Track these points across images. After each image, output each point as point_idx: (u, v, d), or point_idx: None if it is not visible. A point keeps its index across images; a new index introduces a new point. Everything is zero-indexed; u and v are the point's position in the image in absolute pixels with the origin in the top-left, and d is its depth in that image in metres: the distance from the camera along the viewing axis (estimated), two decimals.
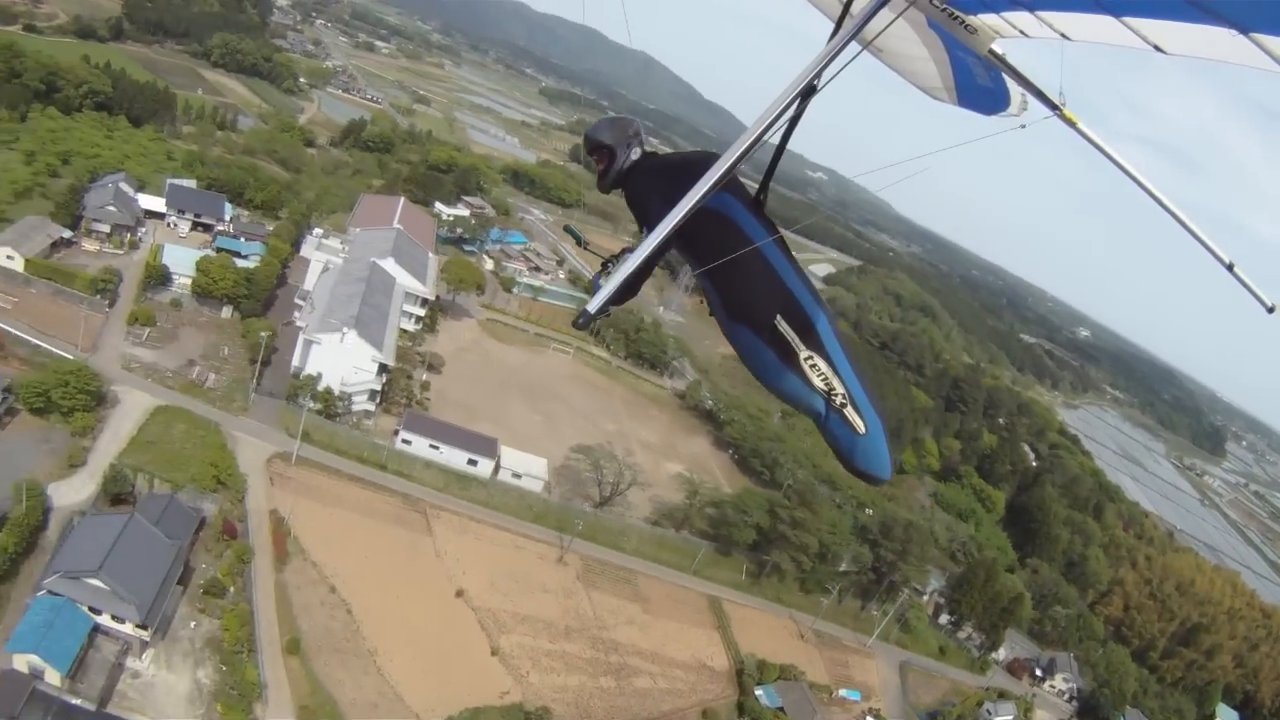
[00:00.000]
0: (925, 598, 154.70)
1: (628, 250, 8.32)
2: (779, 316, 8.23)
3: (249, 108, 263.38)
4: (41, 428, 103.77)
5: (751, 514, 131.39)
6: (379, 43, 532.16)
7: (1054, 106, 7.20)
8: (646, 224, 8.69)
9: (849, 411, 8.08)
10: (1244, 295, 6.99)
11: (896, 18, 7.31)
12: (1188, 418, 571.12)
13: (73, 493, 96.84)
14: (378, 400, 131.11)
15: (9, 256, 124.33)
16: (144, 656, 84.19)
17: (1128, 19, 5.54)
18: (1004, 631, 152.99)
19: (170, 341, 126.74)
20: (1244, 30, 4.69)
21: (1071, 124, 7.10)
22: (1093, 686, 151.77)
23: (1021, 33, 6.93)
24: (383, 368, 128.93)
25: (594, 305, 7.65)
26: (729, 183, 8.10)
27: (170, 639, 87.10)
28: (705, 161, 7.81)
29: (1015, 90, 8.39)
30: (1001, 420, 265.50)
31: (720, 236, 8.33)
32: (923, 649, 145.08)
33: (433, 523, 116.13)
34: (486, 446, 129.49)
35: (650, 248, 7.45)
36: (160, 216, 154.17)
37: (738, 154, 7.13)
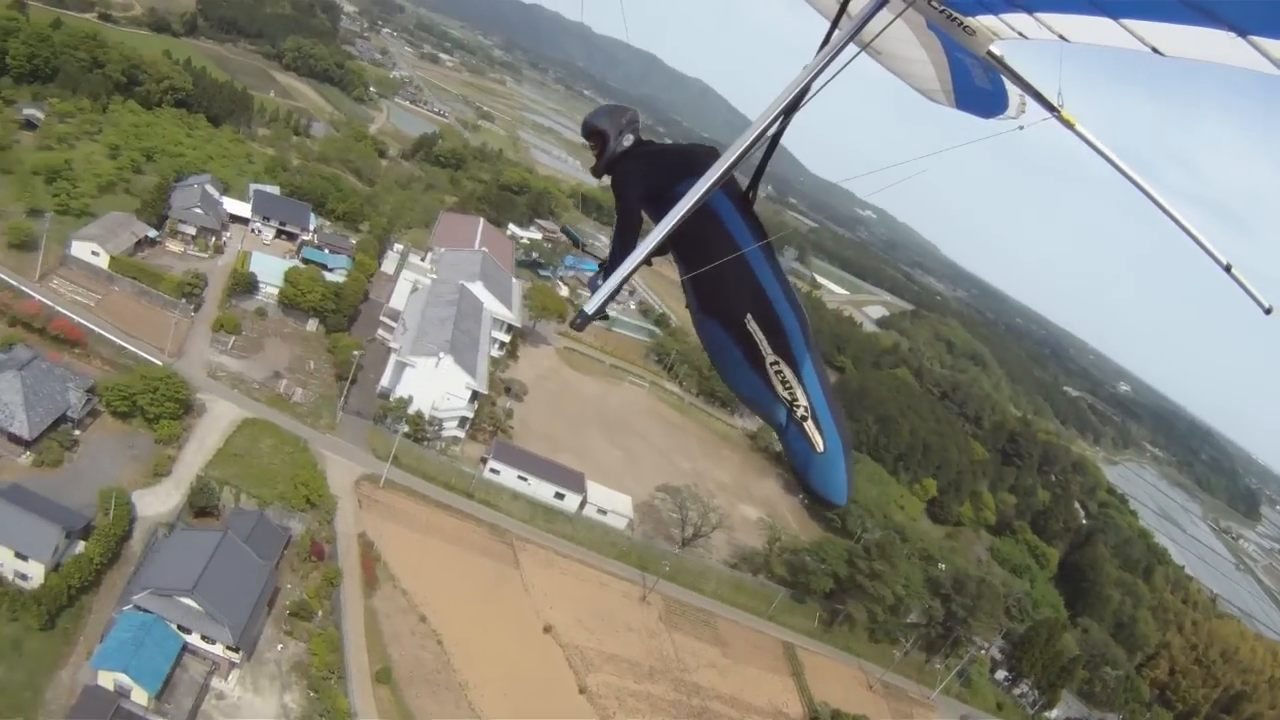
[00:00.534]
0: (982, 653, 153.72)
1: (611, 252, 8.50)
2: (749, 316, 8.16)
3: (320, 113, 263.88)
4: (124, 432, 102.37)
5: (830, 563, 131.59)
6: (443, 55, 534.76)
7: (1052, 108, 7.36)
8: (623, 209, 8.81)
9: (809, 426, 7.97)
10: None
11: (895, 19, 7.33)
12: (1224, 479, 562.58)
13: (157, 503, 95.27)
14: (467, 427, 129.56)
15: (94, 253, 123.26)
16: (230, 678, 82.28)
17: (1125, 21, 5.55)
18: (1060, 691, 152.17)
19: (255, 351, 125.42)
20: (1241, 33, 4.71)
21: (1069, 125, 7.22)
22: None
23: (1020, 34, 6.97)
24: (474, 395, 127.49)
25: (591, 307, 7.74)
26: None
27: (256, 661, 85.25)
28: (694, 154, 8.39)
29: (1014, 92, 8.45)
30: (1054, 477, 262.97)
31: (701, 229, 8.23)
32: (981, 704, 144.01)
33: (519, 555, 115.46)
34: (574, 481, 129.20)
35: (643, 253, 7.50)
36: (244, 221, 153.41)
37: (736, 155, 7.21)
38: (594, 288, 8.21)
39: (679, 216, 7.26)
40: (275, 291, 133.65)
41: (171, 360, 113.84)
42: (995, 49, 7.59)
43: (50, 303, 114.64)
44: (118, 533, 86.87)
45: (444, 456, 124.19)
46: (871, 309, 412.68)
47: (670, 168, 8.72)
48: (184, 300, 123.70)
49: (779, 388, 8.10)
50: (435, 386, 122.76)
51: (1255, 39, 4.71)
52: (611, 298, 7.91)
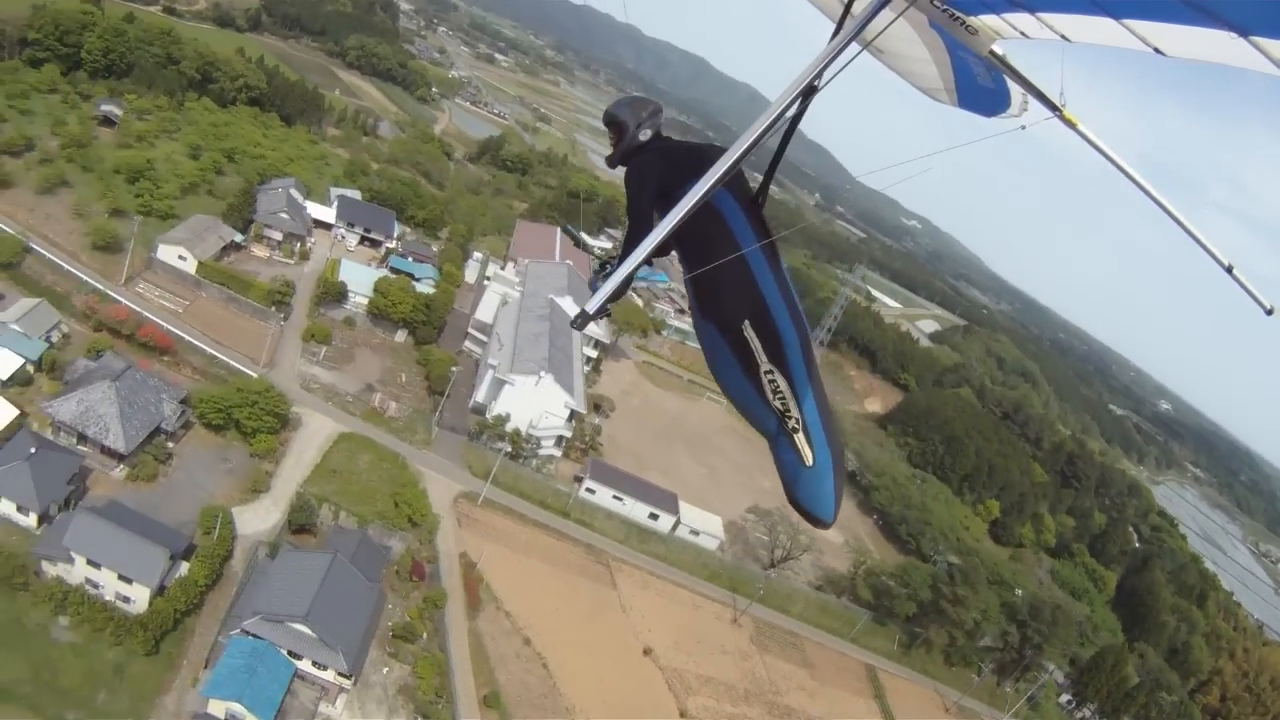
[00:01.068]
0: (1049, 677, 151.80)
1: (620, 251, 8.21)
2: (747, 323, 8.02)
3: (385, 113, 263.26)
4: (218, 445, 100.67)
5: (915, 588, 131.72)
6: (498, 55, 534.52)
7: (1054, 108, 7.32)
8: (634, 204, 8.76)
9: (799, 438, 7.80)
10: None
11: (897, 18, 7.30)
12: (1263, 501, 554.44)
13: (257, 520, 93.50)
14: (562, 446, 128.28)
15: (181, 257, 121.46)
16: (337, 703, 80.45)
17: (1127, 21, 5.58)
18: (1123, 718, 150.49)
19: (346, 363, 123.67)
20: (1243, 33, 4.76)
21: (1071, 125, 7.20)
22: None
23: (1022, 34, 6.95)
24: (571, 414, 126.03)
25: (593, 306, 7.66)
26: (730, 178, 7.63)
27: (362, 684, 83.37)
28: (709, 153, 8.26)
29: (1016, 91, 8.39)
30: (1109, 500, 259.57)
31: (706, 231, 8.20)
32: None
33: (616, 576, 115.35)
34: (668, 501, 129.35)
35: (646, 250, 7.50)
36: (327, 227, 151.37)
37: (738, 154, 7.17)
38: (595, 286, 8.17)
39: (680, 216, 7.21)
40: (364, 301, 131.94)
41: (264, 371, 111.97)
42: (997, 48, 7.58)
43: (138, 308, 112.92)
44: (220, 553, 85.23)
45: (539, 475, 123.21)
46: (924, 323, 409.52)
47: (683, 166, 8.44)
48: (273, 308, 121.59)
49: (772, 398, 7.97)
50: (534, 405, 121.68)
51: (1257, 39, 4.71)
52: (616, 296, 7.83)
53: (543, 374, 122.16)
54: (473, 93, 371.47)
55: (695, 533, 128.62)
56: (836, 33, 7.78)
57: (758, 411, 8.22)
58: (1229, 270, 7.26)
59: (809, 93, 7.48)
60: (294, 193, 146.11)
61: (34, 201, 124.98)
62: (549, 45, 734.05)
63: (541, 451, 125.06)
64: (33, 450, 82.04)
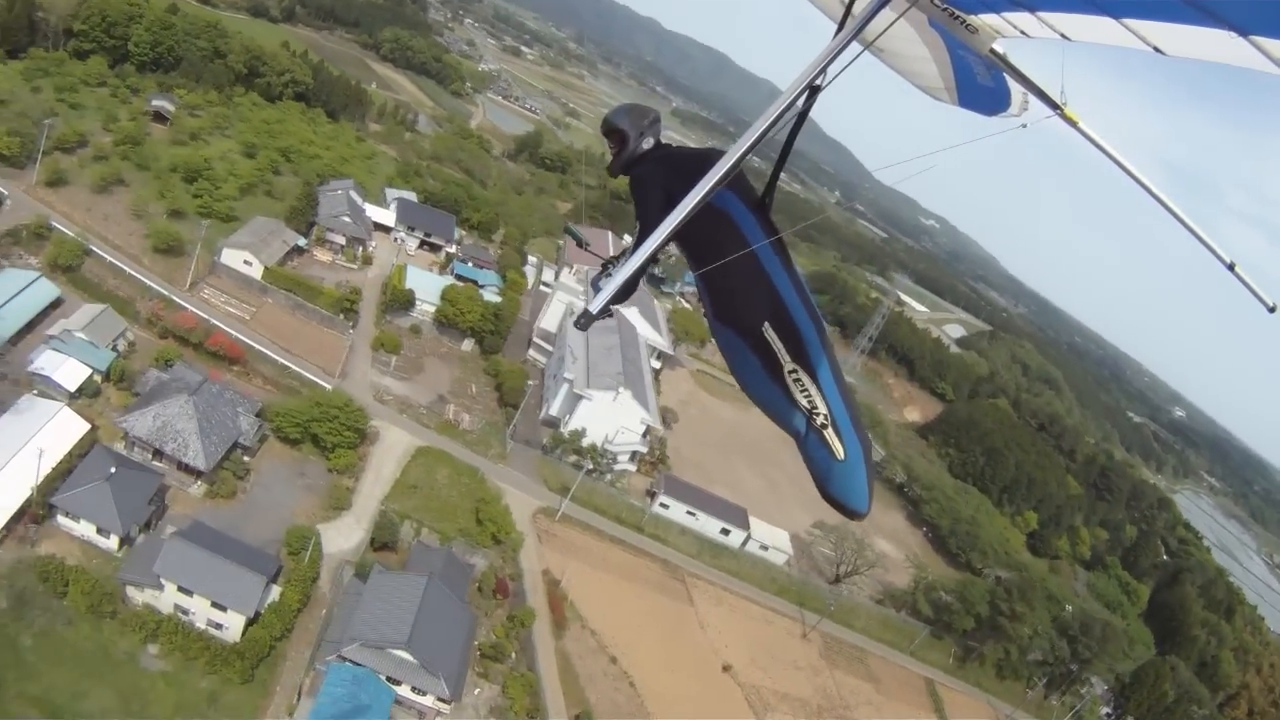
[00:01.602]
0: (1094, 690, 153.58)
1: (626, 253, 8.28)
2: (767, 325, 8.09)
3: (421, 107, 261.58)
4: (294, 459, 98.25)
5: (974, 604, 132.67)
6: (524, 48, 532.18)
7: (1055, 106, 7.29)
8: (643, 213, 8.77)
9: (829, 434, 7.81)
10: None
11: (898, 18, 7.31)
12: (1278, 513, 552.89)
13: (340, 539, 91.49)
14: (637, 461, 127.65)
15: (246, 262, 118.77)
16: None
17: (1127, 20, 5.62)
18: None
19: (416, 373, 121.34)
20: (1243, 33, 4.78)
21: (1073, 124, 7.19)
22: None
23: (1022, 33, 7.00)
24: (647, 429, 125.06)
25: (595, 306, 7.79)
26: (733, 181, 7.93)
27: (455, 706, 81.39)
28: (710, 159, 7.97)
29: (1016, 90, 8.48)
30: (1139, 512, 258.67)
31: (717, 235, 8.28)
32: None
33: (692, 591, 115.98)
34: (739, 516, 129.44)
35: (650, 249, 7.60)
36: (386, 230, 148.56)
37: (739, 154, 7.26)
38: (597, 286, 8.12)
39: (683, 215, 7.24)
40: (431, 309, 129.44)
41: (338, 383, 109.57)
42: (998, 47, 7.51)
43: (204, 315, 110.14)
44: (310, 575, 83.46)
45: (613, 490, 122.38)
46: (950, 328, 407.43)
47: (687, 172, 8.04)
48: (341, 316, 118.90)
49: (798, 396, 7.90)
50: (611, 420, 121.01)
51: (1256, 39, 4.73)
52: (621, 298, 7.88)
53: (621, 390, 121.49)
54: (503, 87, 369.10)
55: (764, 548, 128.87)
56: (838, 32, 7.77)
57: (784, 411, 8.15)
58: (1231, 268, 7.22)
59: (811, 92, 7.50)
60: (354, 195, 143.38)
61: (90, 200, 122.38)
62: (571, 37, 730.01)
63: (616, 467, 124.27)
64: (112, 470, 79.25)
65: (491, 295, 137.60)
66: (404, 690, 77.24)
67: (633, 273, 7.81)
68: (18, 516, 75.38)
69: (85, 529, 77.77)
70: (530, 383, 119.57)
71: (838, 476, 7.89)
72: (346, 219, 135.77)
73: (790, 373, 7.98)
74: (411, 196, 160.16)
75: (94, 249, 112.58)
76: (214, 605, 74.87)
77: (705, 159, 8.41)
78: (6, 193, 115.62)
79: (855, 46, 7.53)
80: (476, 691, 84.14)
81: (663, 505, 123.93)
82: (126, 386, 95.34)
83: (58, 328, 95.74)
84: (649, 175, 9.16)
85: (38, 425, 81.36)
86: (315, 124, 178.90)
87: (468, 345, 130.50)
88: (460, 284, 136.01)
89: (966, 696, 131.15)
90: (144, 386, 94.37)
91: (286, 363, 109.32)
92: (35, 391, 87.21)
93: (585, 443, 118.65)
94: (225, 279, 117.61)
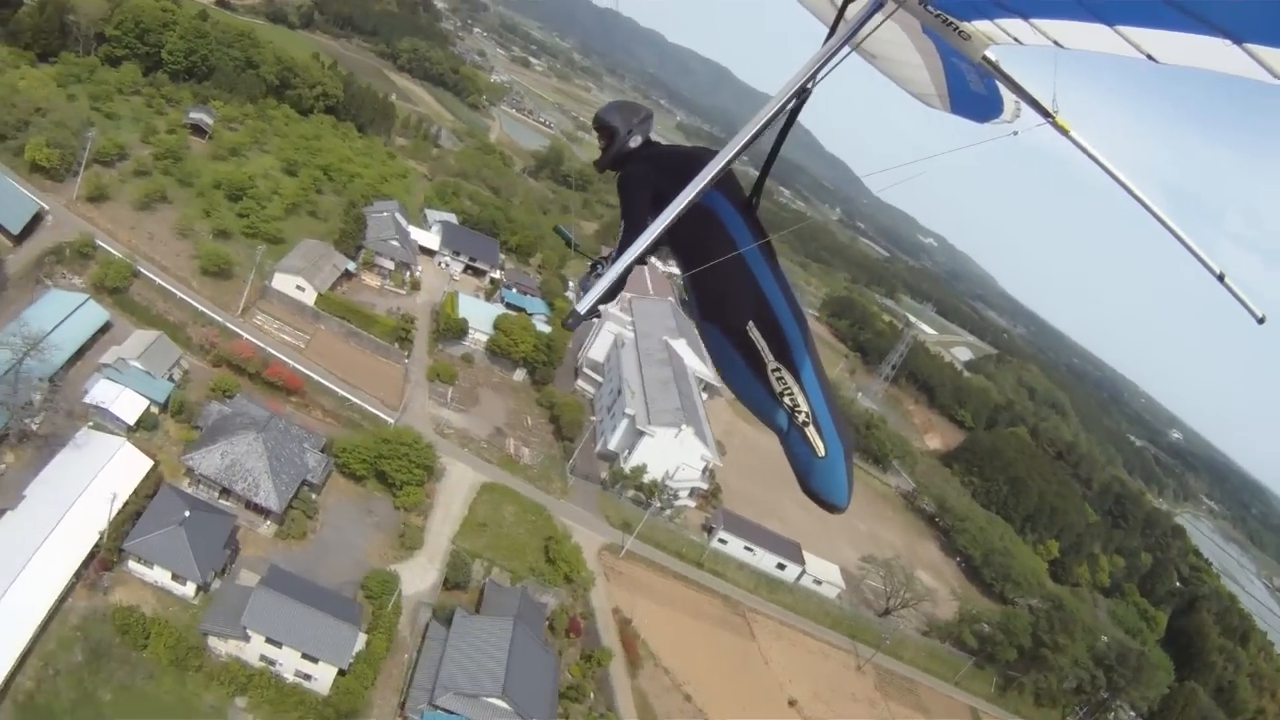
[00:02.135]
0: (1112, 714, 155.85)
1: (614, 253, 8.41)
2: (751, 323, 8.18)
3: (440, 120, 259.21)
4: (360, 496, 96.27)
5: (1018, 635, 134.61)
6: (532, 59, 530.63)
7: (1047, 114, 7.32)
8: (629, 210, 8.80)
9: (810, 431, 7.92)
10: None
11: (885, 19, 7.36)
12: (1276, 536, 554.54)
13: (415, 579, 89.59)
14: (695, 496, 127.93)
15: (299, 287, 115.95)
16: None
17: (1121, 28, 5.60)
18: None
19: (473, 404, 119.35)
20: (1237, 40, 4.79)
21: (1064, 132, 7.21)
22: None
23: (1015, 39, 7.01)
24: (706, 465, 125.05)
25: (583, 306, 7.85)
26: (721, 182, 7.96)
27: None
28: (701, 157, 8.18)
29: (1009, 97, 8.47)
30: (1153, 540, 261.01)
31: (704, 235, 8.36)
32: None
33: (753, 626, 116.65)
34: (793, 551, 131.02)
35: (639, 249, 7.66)
36: (429, 253, 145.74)
37: (730, 155, 7.39)
38: (586, 286, 8.20)
39: (671, 216, 7.34)
40: (483, 338, 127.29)
41: (399, 415, 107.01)
42: (990, 54, 7.46)
43: (261, 344, 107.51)
44: (394, 620, 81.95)
45: (672, 525, 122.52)
46: (959, 351, 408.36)
47: (675, 171, 8.21)
48: (396, 345, 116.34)
49: (781, 394, 7.98)
50: (671, 456, 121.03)
51: (1250, 46, 4.73)
52: (608, 298, 7.93)
53: (684, 427, 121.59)
54: (517, 99, 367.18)
55: (818, 582, 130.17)
56: (829, 37, 7.83)
57: (767, 408, 8.16)
58: (1220, 278, 7.22)
59: (801, 96, 7.50)
60: (399, 217, 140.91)
61: (134, 218, 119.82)
62: (575, 48, 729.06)
63: (676, 503, 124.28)
64: (186, 513, 76.64)
65: (541, 324, 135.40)
66: None
67: (621, 273, 7.83)
68: (86, 561, 72.49)
69: (159, 575, 75.09)
70: (592, 418, 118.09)
71: (818, 472, 7.96)
72: (394, 242, 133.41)
73: (773, 371, 8.03)
74: (451, 218, 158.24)
75: (141, 270, 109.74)
76: (304, 656, 72.94)
77: (694, 158, 8.49)
78: (48, 208, 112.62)
79: (846, 52, 7.54)
80: None
81: (721, 541, 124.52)
82: (186, 419, 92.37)
83: (111, 355, 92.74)
84: (636, 173, 9.10)
85: (99, 462, 78.70)
86: (347, 138, 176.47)
87: (519, 375, 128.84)
88: (514, 313, 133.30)
89: None
90: (205, 420, 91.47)
91: (346, 394, 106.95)
92: (91, 424, 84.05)
93: (646, 479, 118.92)
94: (277, 304, 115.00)
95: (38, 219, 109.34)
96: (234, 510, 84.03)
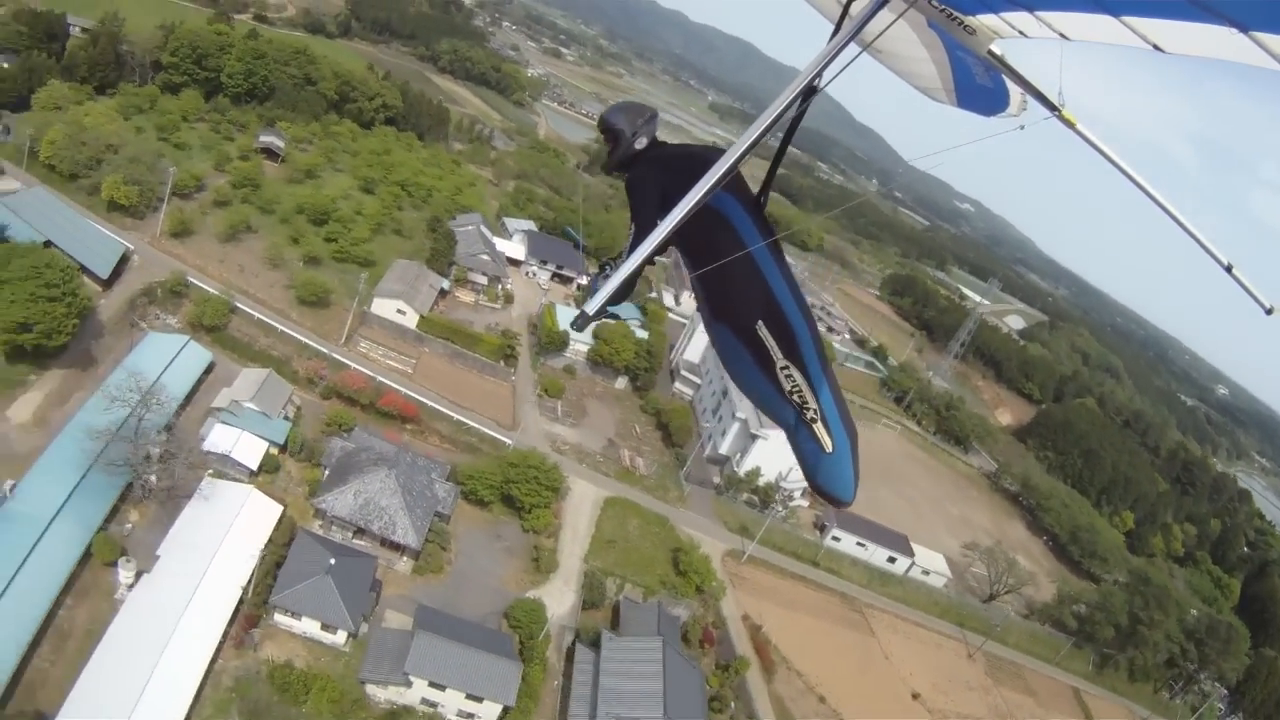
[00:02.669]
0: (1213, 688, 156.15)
1: (623, 253, 8.31)
2: (760, 323, 8.14)
3: (488, 120, 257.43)
4: (486, 521, 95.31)
5: (1116, 614, 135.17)
6: (563, 49, 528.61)
7: (1053, 107, 7.33)
8: (637, 211, 8.78)
9: (818, 427, 7.89)
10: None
11: (896, 19, 7.36)
12: None
13: (553, 603, 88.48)
14: (808, 495, 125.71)
15: (400, 311, 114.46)
16: None
17: (1127, 18, 5.60)
18: None
19: (581, 417, 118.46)
20: (1244, 28, 4.76)
21: (1070, 125, 7.21)
22: None
23: (1020, 33, 7.03)
24: None
25: (592, 307, 7.85)
26: (729, 181, 7.89)
27: None
28: (707, 157, 8.19)
29: (1015, 91, 8.45)
30: (1220, 505, 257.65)
31: (713, 235, 8.33)
32: None
33: (870, 622, 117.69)
34: (902, 544, 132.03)
35: (648, 250, 7.58)
36: (514, 263, 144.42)
37: (738, 154, 7.27)
38: (595, 288, 8.14)
39: (680, 216, 7.22)
40: (583, 349, 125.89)
41: (516, 435, 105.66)
42: (995, 48, 7.51)
43: (370, 372, 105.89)
44: (545, 648, 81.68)
45: (786, 525, 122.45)
46: (1011, 319, 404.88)
47: (682, 170, 8.26)
48: (501, 362, 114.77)
49: (789, 391, 7.94)
50: (784, 457, 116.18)
51: (1257, 34, 4.71)
52: (618, 298, 7.87)
53: None
54: (556, 92, 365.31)
55: (926, 572, 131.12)
56: (835, 33, 7.77)
57: (776, 405, 8.16)
58: (1228, 269, 7.20)
59: (809, 93, 7.41)
60: (484, 229, 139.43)
61: (221, 251, 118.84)
62: (601, 34, 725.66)
63: (791, 503, 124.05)
64: (332, 561, 75.39)
65: (637, 329, 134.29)
66: None
67: (630, 273, 7.69)
68: (232, 619, 71.27)
69: (308, 625, 73.80)
70: (705, 426, 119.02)
71: (825, 468, 7.84)
72: (485, 256, 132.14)
73: (782, 369, 7.97)
74: (531, 226, 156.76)
75: (239, 305, 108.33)
76: (469, 697, 72.34)
77: (700, 158, 8.46)
78: (132, 247, 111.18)
79: (853, 48, 7.48)
80: None
81: (834, 538, 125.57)
82: (306, 458, 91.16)
83: (223, 398, 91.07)
84: (644, 174, 9.03)
85: (229, 512, 77.46)
86: (412, 149, 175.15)
87: (621, 383, 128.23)
88: (610, 320, 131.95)
89: (1106, 701, 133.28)
90: (328, 459, 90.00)
91: (461, 418, 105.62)
92: (210, 472, 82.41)
93: (761, 482, 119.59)
94: (378, 330, 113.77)
95: (124, 260, 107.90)
96: (373, 551, 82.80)
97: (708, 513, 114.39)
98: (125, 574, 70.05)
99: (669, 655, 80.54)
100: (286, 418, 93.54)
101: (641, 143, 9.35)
